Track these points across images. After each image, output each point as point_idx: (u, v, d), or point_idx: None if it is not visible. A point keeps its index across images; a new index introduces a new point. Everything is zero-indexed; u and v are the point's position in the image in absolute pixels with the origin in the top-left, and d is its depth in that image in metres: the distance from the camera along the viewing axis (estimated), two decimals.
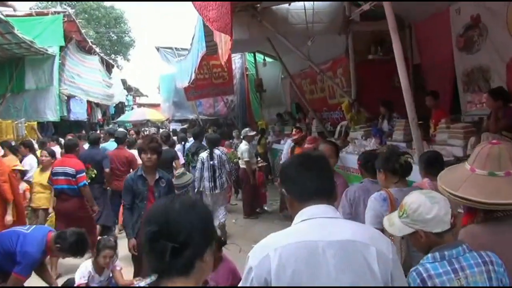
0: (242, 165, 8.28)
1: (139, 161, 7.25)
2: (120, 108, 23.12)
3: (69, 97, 13.36)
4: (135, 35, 42.31)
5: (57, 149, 9.10)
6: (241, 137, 8.25)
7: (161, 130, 16.19)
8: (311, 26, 8.31)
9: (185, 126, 15.73)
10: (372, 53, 8.41)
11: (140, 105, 32.18)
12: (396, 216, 2.07)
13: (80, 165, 5.94)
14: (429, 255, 1.89)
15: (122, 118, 20.03)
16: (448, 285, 1.78)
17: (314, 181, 1.72)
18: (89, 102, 15.68)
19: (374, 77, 8.70)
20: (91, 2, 32.39)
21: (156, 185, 4.33)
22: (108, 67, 17.21)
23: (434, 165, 3.28)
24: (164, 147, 7.32)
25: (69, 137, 7.16)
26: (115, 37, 36.99)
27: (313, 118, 10.56)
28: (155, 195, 4.29)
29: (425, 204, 1.91)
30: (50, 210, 6.54)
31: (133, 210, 4.37)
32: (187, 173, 6.35)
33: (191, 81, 11.54)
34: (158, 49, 16.28)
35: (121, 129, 11.24)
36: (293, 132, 7.06)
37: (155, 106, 22.79)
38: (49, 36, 10.38)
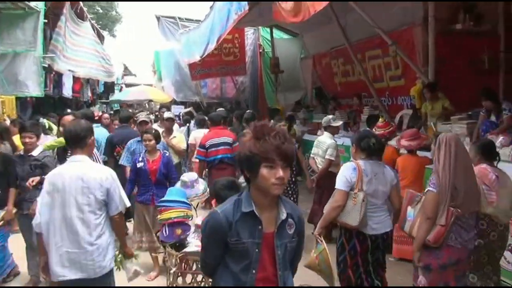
0: (319, 164, 5.82)
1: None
2: (110, 87, 20.72)
3: (58, 71, 10.92)
4: (122, 9, 39.41)
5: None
6: (323, 126, 5.98)
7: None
8: None
9: (189, 109, 13.62)
10: (459, 21, 6.48)
11: (128, 85, 29.82)
12: None
13: (234, 135, 6.41)
14: None
15: (117, 96, 17.33)
16: None
17: None
18: (78, 77, 13.33)
19: (455, 54, 6.84)
20: None
21: (279, 234, 1.98)
22: (100, 38, 14.92)
23: (491, 151, 3.75)
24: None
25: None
26: (101, 10, 34.30)
27: (362, 104, 8.63)
28: (278, 255, 1.96)
29: None
30: None
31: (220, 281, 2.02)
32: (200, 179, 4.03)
33: (207, 52, 9.43)
34: (158, 18, 14.15)
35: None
36: (380, 123, 5.10)
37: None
38: None
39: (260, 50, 14.19)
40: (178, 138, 7.14)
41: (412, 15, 7.23)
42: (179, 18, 13.88)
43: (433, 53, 6.42)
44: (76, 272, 2.96)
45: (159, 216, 3.31)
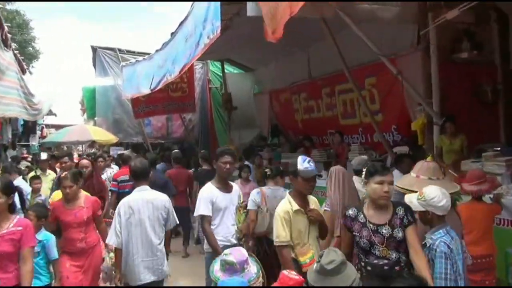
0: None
1: None
2: (30, 128, 18.25)
3: None
4: (40, 45, 36.39)
5: None
6: (354, 170, 4.80)
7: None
8: (376, 9, 5.80)
9: (126, 151, 12.00)
10: (463, 50, 5.95)
11: (48, 126, 27.13)
12: (415, 198, 2.91)
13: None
14: (440, 230, 2.83)
15: (51, 138, 14.84)
16: (453, 248, 2.76)
17: None
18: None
19: (458, 85, 6.31)
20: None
21: None
22: (22, 72, 12.97)
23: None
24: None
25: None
26: (17, 46, 31.46)
27: (344, 142, 7.81)
28: None
29: (439, 196, 2.81)
30: None
31: None
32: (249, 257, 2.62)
33: (161, 85, 8.21)
34: (95, 49, 12.67)
35: None
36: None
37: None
38: None
39: (210, 86, 13.18)
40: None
41: (403, 43, 6.65)
42: (119, 50, 12.48)
43: (436, 84, 5.77)
44: (150, 275, 3.82)
45: None
